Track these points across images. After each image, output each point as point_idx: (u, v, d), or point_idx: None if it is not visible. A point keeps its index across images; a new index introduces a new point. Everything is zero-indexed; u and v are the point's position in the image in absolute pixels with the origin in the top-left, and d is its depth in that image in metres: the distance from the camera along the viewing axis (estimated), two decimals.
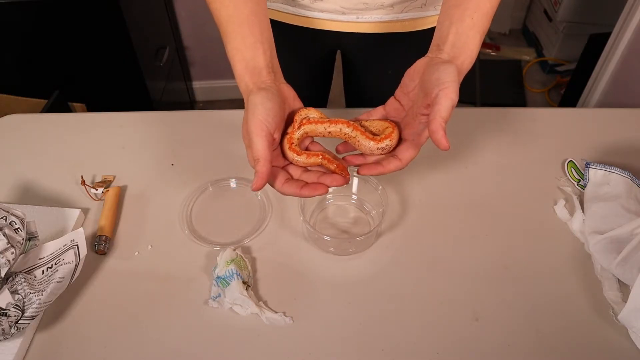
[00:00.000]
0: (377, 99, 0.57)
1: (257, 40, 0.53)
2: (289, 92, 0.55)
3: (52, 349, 0.56)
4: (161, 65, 1.76)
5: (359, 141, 0.52)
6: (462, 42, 0.52)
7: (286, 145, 0.52)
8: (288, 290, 0.61)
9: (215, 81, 2.24)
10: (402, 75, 0.55)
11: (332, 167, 0.52)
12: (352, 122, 0.53)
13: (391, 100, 0.55)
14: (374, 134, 0.53)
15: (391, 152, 0.52)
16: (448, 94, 0.47)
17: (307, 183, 0.51)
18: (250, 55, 0.53)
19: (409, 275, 0.63)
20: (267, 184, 0.51)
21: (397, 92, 0.55)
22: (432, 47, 0.54)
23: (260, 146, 0.47)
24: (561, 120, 0.85)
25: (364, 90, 0.98)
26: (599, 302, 0.60)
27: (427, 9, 0.79)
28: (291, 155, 0.52)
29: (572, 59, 2.30)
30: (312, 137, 0.55)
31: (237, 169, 0.75)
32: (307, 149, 0.55)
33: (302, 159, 0.52)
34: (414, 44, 0.83)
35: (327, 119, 0.53)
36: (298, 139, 0.53)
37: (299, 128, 0.53)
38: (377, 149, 0.51)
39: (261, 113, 0.48)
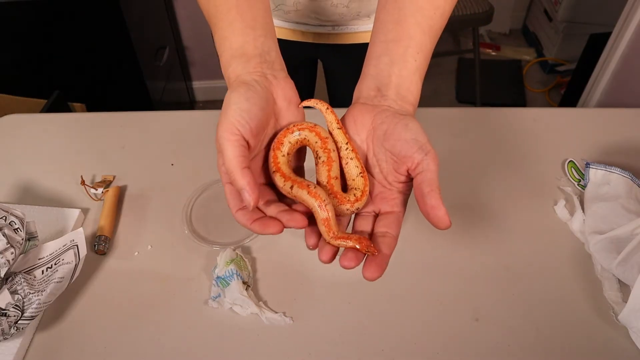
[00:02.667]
0: None
1: (248, 26, 0.45)
2: (282, 90, 0.44)
3: (52, 349, 0.56)
4: (161, 65, 1.76)
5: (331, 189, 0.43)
6: (405, 89, 0.45)
7: (274, 164, 0.42)
8: (288, 290, 0.61)
9: (215, 81, 2.24)
10: None
11: (357, 245, 0.41)
12: (332, 174, 0.43)
13: None
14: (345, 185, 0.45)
15: (381, 229, 0.45)
16: (434, 158, 0.41)
17: (264, 215, 0.41)
18: (238, 43, 0.45)
19: (409, 275, 0.63)
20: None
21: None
22: (371, 90, 0.46)
23: (232, 154, 0.38)
24: (561, 120, 0.85)
25: (347, 102, 0.95)
26: (599, 302, 0.60)
27: None
28: (279, 180, 0.41)
29: (572, 59, 2.30)
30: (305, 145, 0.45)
31: None
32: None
33: (302, 193, 0.40)
34: None
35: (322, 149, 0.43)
36: (288, 153, 0.42)
37: (280, 146, 0.42)
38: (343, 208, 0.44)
39: (233, 115, 0.39)
